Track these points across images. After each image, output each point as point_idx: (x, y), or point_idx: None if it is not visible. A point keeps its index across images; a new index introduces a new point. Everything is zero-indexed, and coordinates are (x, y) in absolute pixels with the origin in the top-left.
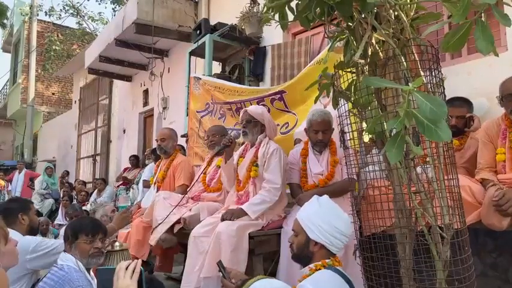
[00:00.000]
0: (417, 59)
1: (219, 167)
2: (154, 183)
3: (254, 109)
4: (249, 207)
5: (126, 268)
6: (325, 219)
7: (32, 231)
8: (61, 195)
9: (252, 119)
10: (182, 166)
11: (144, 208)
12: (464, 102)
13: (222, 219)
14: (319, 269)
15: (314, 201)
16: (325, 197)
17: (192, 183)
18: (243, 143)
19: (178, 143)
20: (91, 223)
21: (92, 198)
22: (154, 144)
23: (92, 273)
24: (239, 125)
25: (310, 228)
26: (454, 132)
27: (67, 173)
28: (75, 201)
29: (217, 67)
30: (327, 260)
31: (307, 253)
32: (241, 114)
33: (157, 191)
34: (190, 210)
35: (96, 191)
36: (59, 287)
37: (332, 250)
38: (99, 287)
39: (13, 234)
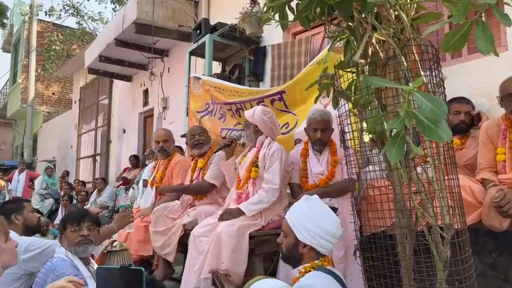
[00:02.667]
0: (417, 59)
1: (201, 168)
2: (152, 183)
3: (247, 112)
4: (246, 206)
5: None
6: (313, 220)
7: (29, 229)
8: (61, 195)
9: (246, 121)
10: (180, 165)
11: (143, 209)
12: (468, 100)
13: (220, 219)
14: (309, 270)
15: (303, 202)
16: (315, 196)
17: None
18: (243, 144)
19: (177, 143)
20: (78, 212)
21: (91, 198)
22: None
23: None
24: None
25: (298, 230)
26: (463, 128)
27: (67, 173)
28: (75, 201)
29: (217, 67)
30: (316, 261)
31: (296, 255)
32: None
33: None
34: (188, 215)
35: (96, 190)
36: (45, 278)
37: (320, 251)
38: (98, 286)
39: (11, 234)
